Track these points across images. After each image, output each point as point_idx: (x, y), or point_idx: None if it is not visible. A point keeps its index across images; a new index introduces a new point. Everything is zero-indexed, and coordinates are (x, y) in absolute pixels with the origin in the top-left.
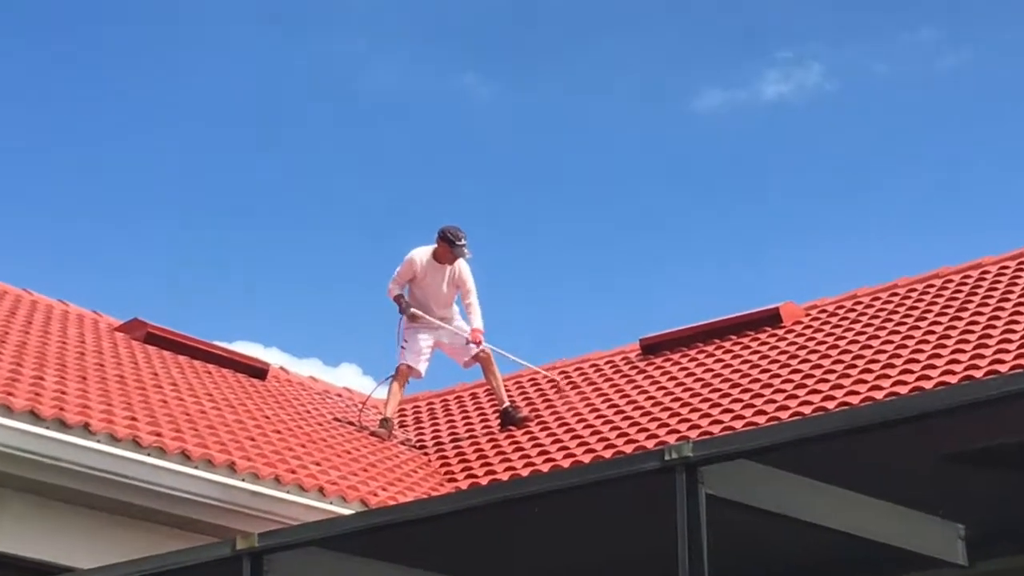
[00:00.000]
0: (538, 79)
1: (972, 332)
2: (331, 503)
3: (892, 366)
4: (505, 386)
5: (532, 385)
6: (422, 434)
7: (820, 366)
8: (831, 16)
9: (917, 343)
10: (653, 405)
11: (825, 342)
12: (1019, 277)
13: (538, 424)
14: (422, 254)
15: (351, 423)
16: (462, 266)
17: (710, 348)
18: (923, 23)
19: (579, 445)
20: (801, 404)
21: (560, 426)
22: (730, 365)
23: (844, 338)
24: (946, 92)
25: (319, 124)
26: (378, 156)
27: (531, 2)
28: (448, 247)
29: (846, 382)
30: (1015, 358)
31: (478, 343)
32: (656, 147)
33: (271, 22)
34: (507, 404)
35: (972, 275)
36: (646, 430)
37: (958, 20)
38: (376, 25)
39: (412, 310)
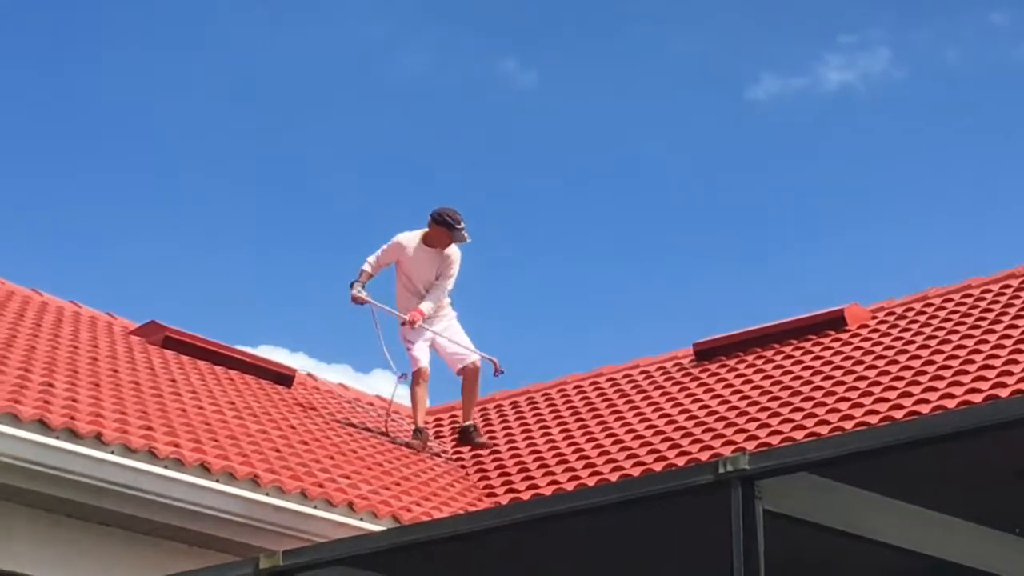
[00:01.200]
0: (583, 66)
1: None
2: (361, 519)
3: (965, 372)
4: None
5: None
6: (458, 446)
7: (887, 372)
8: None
9: (992, 348)
10: (707, 414)
11: (893, 347)
12: None
13: (583, 434)
14: (411, 238)
15: (383, 433)
16: (453, 252)
17: (768, 353)
18: (994, 7)
19: (628, 457)
20: (867, 413)
21: (608, 437)
22: (790, 372)
23: (913, 342)
24: (1019, 81)
25: (345, 114)
26: (412, 149)
27: None
28: (447, 231)
29: (915, 390)
30: None
31: (413, 322)
32: (709, 136)
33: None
34: (470, 423)
35: (1015, 281)
36: (700, 441)
37: None
38: (404, 8)
39: (358, 294)
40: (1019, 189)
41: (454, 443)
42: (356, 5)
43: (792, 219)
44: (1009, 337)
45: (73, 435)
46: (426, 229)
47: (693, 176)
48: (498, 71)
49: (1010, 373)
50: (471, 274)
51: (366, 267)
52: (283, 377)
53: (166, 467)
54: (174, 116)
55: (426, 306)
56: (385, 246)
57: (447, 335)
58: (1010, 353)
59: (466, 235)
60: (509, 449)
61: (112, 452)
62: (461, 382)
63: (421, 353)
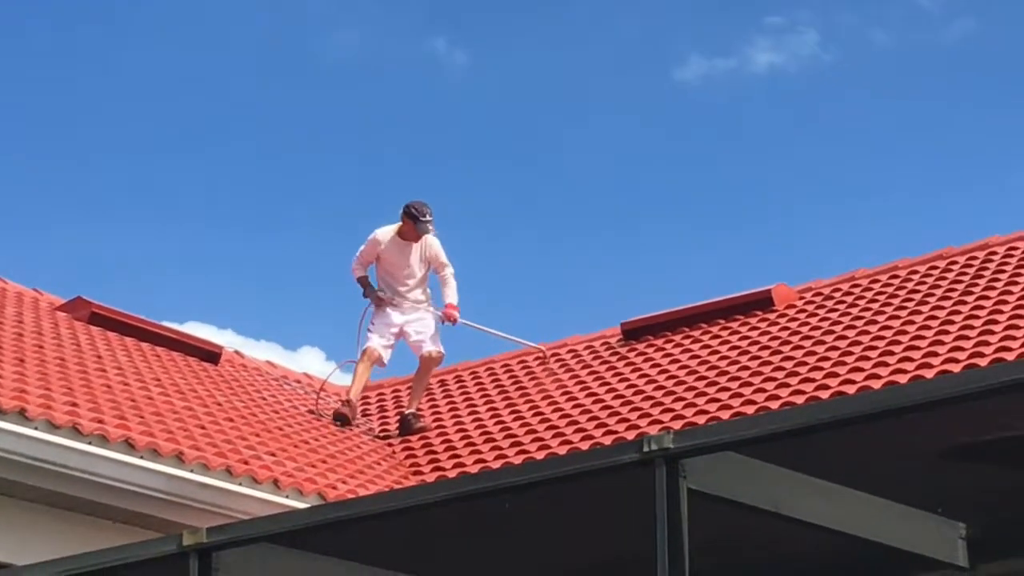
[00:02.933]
0: (512, 46)
1: (977, 317)
2: (286, 496)
3: (891, 353)
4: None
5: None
6: (387, 424)
7: (814, 353)
8: None
9: (918, 329)
10: (634, 394)
11: (820, 327)
12: (987, 268)
13: (510, 413)
14: (386, 233)
15: (310, 411)
16: (432, 241)
17: (696, 333)
18: None
19: (554, 436)
20: (793, 393)
21: (535, 416)
22: (717, 351)
23: (840, 323)
24: (952, 63)
25: (275, 95)
26: (339, 128)
27: None
28: (412, 223)
29: (841, 370)
30: (1023, 344)
31: (453, 320)
32: (637, 118)
33: None
34: (411, 411)
35: (978, 256)
36: (626, 420)
37: None
38: None
39: (378, 293)
40: (946, 172)
41: (382, 421)
42: None
43: (720, 200)
44: (935, 318)
45: None
46: (400, 224)
47: (621, 157)
48: (428, 50)
49: (935, 354)
50: None
51: (360, 271)
52: (210, 354)
53: (90, 443)
54: (102, 91)
55: (452, 298)
56: (363, 246)
57: (417, 327)
58: (936, 334)
59: (430, 227)
60: (436, 427)
61: (36, 428)
62: (417, 369)
63: (381, 338)
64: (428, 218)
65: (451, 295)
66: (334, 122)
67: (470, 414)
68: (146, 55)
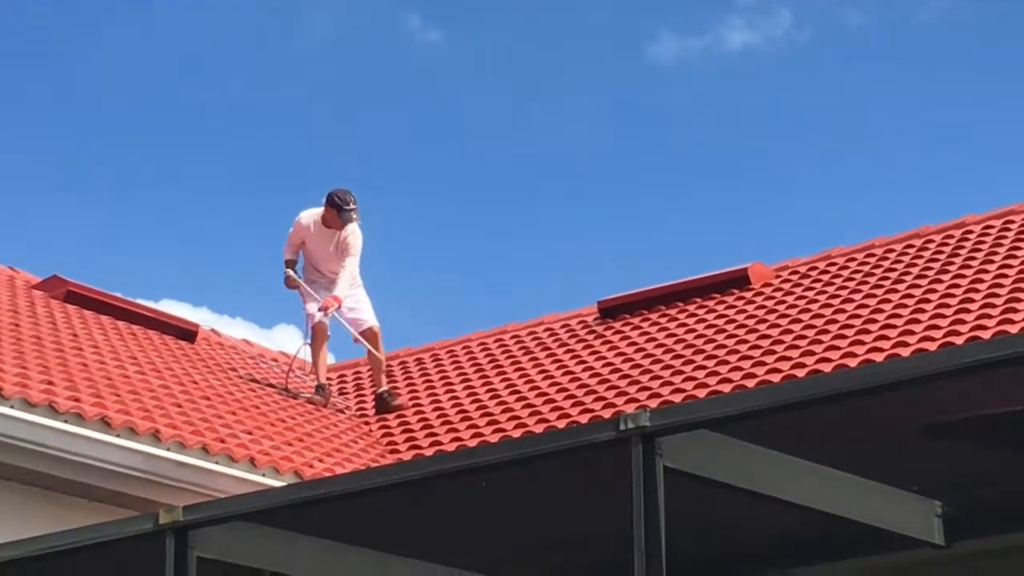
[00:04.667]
0: (485, 23)
1: (953, 296)
2: (263, 475)
3: (867, 331)
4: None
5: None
6: (363, 402)
7: (790, 331)
8: None
9: (894, 307)
10: (611, 372)
11: (796, 305)
12: (1004, 237)
13: (487, 391)
14: (309, 217)
15: (285, 389)
16: (351, 231)
17: (672, 312)
18: None
19: (531, 414)
20: (769, 372)
21: (511, 394)
22: (693, 330)
23: (816, 301)
24: (923, 43)
25: (248, 71)
26: (314, 105)
27: None
28: (335, 212)
29: (818, 348)
30: (999, 324)
31: (325, 309)
32: (610, 96)
33: None
34: (384, 389)
35: (955, 235)
36: (603, 399)
37: None
38: None
39: (291, 278)
40: (922, 151)
41: (358, 399)
42: None
43: (696, 179)
44: (911, 297)
45: None
46: (323, 209)
47: (595, 134)
48: (402, 27)
49: (911, 332)
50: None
51: (287, 253)
52: (186, 332)
53: (66, 422)
54: (82, 71)
55: (341, 290)
56: (290, 230)
57: (350, 303)
58: (912, 312)
59: (354, 216)
60: (413, 406)
61: (12, 406)
62: (366, 351)
63: (315, 310)
64: (351, 207)
65: (338, 287)
66: (307, 99)
67: (447, 392)
68: (121, 27)
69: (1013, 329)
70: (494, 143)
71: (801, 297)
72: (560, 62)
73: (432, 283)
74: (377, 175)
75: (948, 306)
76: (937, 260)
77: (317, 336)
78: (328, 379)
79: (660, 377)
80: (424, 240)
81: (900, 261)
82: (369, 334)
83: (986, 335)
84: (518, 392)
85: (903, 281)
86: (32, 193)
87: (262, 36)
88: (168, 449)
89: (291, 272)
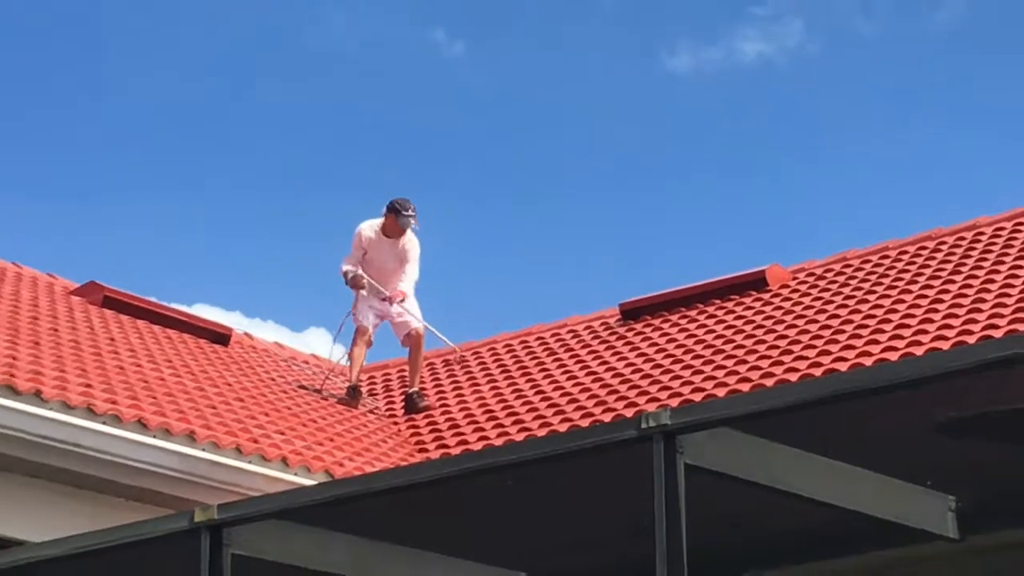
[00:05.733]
0: (510, 36)
1: (966, 296)
2: (295, 474)
3: (882, 331)
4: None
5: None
6: (392, 402)
7: (807, 331)
8: None
9: (908, 307)
10: (633, 372)
11: (812, 306)
12: (1015, 238)
13: (513, 391)
14: (369, 227)
15: (317, 391)
16: (410, 239)
17: (692, 313)
18: None
19: (555, 414)
20: (787, 371)
21: (536, 394)
22: (713, 331)
23: (832, 302)
24: (936, 50)
25: (275, 82)
26: (338, 115)
27: None
28: (395, 217)
29: (834, 348)
30: (1010, 323)
31: (391, 300)
32: (629, 105)
33: None
34: (414, 390)
35: (967, 236)
36: (625, 398)
37: None
38: None
39: (361, 278)
40: (932, 156)
41: (387, 401)
42: None
43: (713, 184)
44: (925, 297)
45: (12, 392)
46: (383, 219)
47: (616, 140)
48: (428, 41)
49: (925, 332)
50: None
51: (346, 266)
52: (220, 336)
53: (104, 423)
54: (119, 82)
55: (406, 287)
56: (353, 242)
57: (398, 308)
58: (925, 312)
59: (413, 221)
60: (441, 406)
61: (51, 409)
62: (408, 351)
63: (363, 316)
64: (410, 212)
65: (404, 284)
66: (332, 110)
67: (473, 393)
68: (150, 40)
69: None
70: (517, 151)
71: (817, 298)
72: (581, 72)
73: (460, 287)
74: (403, 182)
75: (961, 306)
76: (950, 261)
77: (359, 340)
78: (360, 380)
79: (680, 377)
80: (449, 246)
81: (913, 262)
82: (415, 337)
83: (998, 334)
84: (542, 392)
85: (916, 282)
86: (69, 201)
87: (295, 52)
88: (203, 449)
89: (360, 271)
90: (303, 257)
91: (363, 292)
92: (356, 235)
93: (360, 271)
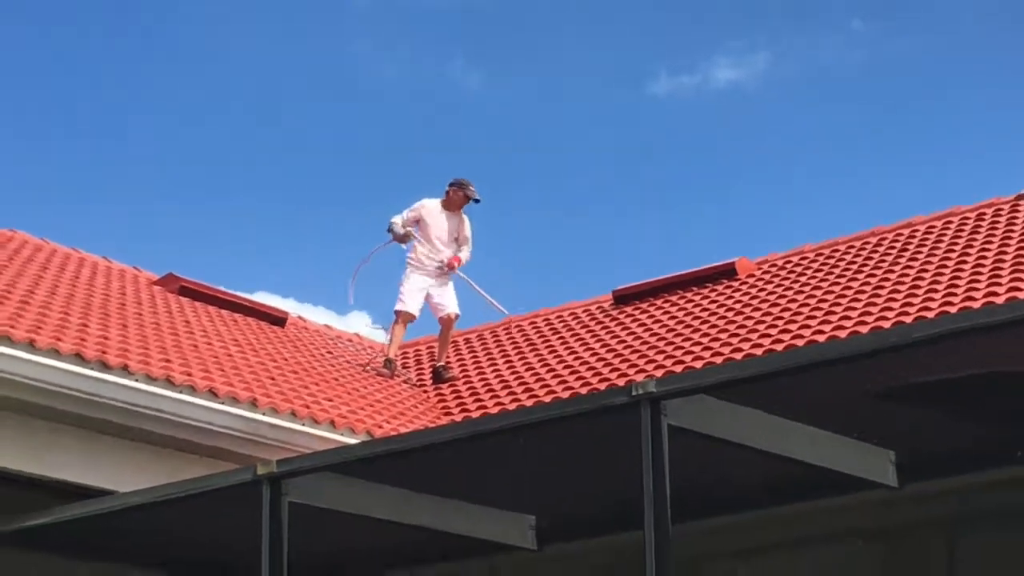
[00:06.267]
0: (520, 69)
1: (903, 282)
2: (341, 434)
3: (833, 313)
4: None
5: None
6: (422, 374)
7: (770, 314)
8: (775, 7)
9: (855, 292)
10: (624, 348)
11: (775, 292)
12: (944, 236)
13: (523, 364)
14: (433, 202)
15: (360, 365)
16: (464, 219)
17: (674, 298)
18: (855, 15)
19: (559, 383)
20: (753, 347)
21: (543, 367)
22: (691, 313)
23: (792, 289)
24: (884, 79)
25: (333, 109)
26: (380, 135)
27: (513, 3)
28: (460, 191)
29: (793, 327)
30: (940, 305)
31: (452, 267)
32: (618, 126)
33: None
34: (441, 364)
35: (904, 233)
36: (618, 370)
37: (895, 13)
38: (378, 26)
39: (410, 235)
40: (878, 167)
41: (419, 372)
42: (341, 24)
43: (692, 190)
44: (868, 285)
45: (104, 366)
46: (444, 197)
47: (608, 156)
48: (449, 74)
49: (869, 314)
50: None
51: (399, 222)
52: (278, 319)
53: (181, 392)
54: (175, 120)
55: (464, 255)
56: (410, 209)
57: (440, 291)
58: (869, 297)
59: (476, 195)
60: (463, 377)
61: (137, 380)
62: (440, 329)
63: (411, 299)
64: (473, 187)
65: (466, 254)
66: (370, 127)
67: (490, 366)
68: (238, 54)
69: (952, 309)
70: (525, 165)
71: (779, 286)
72: (578, 95)
73: (480, 274)
74: (429, 186)
75: (899, 291)
76: (890, 255)
77: (401, 321)
78: (396, 355)
79: (664, 352)
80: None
81: (859, 256)
82: (447, 320)
83: (930, 314)
84: (548, 365)
85: (862, 271)
86: (150, 202)
87: (340, 78)
88: (263, 414)
89: (411, 230)
90: (347, 254)
91: (417, 265)
92: (419, 205)
93: (411, 230)
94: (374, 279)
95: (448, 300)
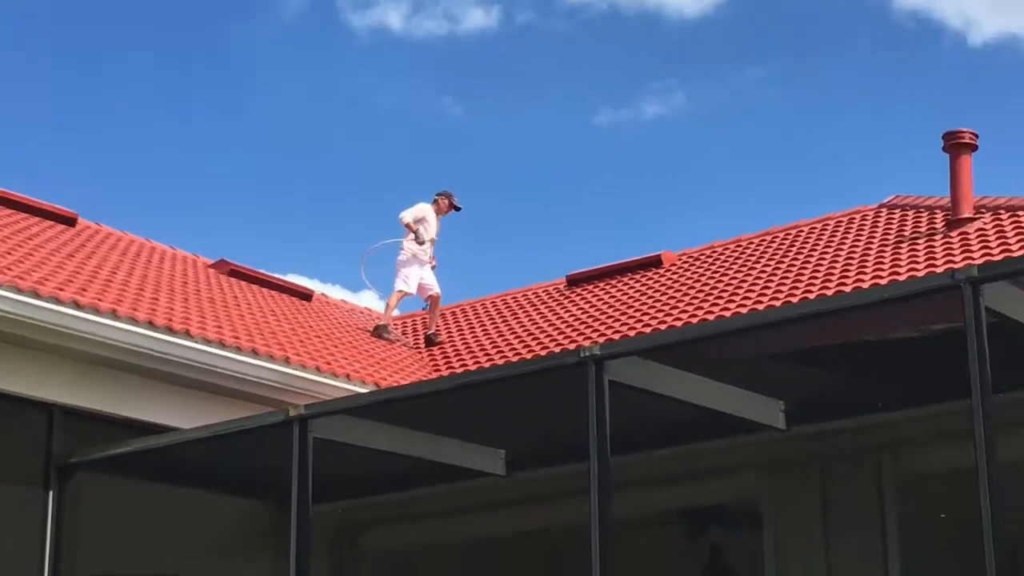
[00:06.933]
0: (497, 102)
1: (791, 272)
2: (355, 385)
3: (736, 294)
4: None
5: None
6: (417, 339)
7: (688, 295)
8: (687, 55)
9: (755, 278)
10: (575, 320)
11: (692, 278)
12: (823, 236)
13: (496, 332)
14: (430, 207)
15: (368, 331)
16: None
17: (614, 282)
18: (752, 63)
19: (524, 347)
20: (675, 320)
21: (511, 335)
22: (627, 293)
23: (705, 275)
24: (767, 118)
25: (344, 135)
26: (376, 148)
27: (493, 44)
28: (447, 200)
29: (706, 305)
30: (819, 289)
31: (433, 266)
32: (571, 151)
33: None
34: (432, 331)
35: (792, 233)
36: (569, 337)
37: (780, 61)
38: (377, 63)
39: (421, 235)
40: (768, 175)
41: (415, 338)
42: (346, 62)
43: (628, 197)
44: (764, 273)
45: (170, 331)
46: (434, 203)
47: (564, 173)
48: (438, 106)
49: (764, 295)
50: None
51: (409, 218)
52: (305, 295)
53: (229, 351)
54: (222, 135)
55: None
56: (418, 206)
57: (428, 274)
58: (765, 283)
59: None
60: (448, 342)
61: (195, 342)
62: (428, 305)
63: (413, 282)
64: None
65: (431, 256)
66: (373, 144)
67: (471, 334)
68: (269, 81)
69: (829, 292)
70: (501, 185)
71: (696, 272)
72: (537, 124)
73: (463, 261)
74: (417, 192)
75: (788, 278)
76: (781, 249)
77: (398, 296)
78: (394, 324)
79: (606, 324)
80: (457, 236)
81: (758, 249)
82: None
83: (812, 296)
84: (516, 333)
85: (760, 262)
86: (210, 203)
87: (352, 112)
88: (295, 369)
89: (419, 227)
90: (360, 242)
91: (415, 255)
92: (424, 207)
93: (425, 227)
94: (379, 264)
95: (434, 283)
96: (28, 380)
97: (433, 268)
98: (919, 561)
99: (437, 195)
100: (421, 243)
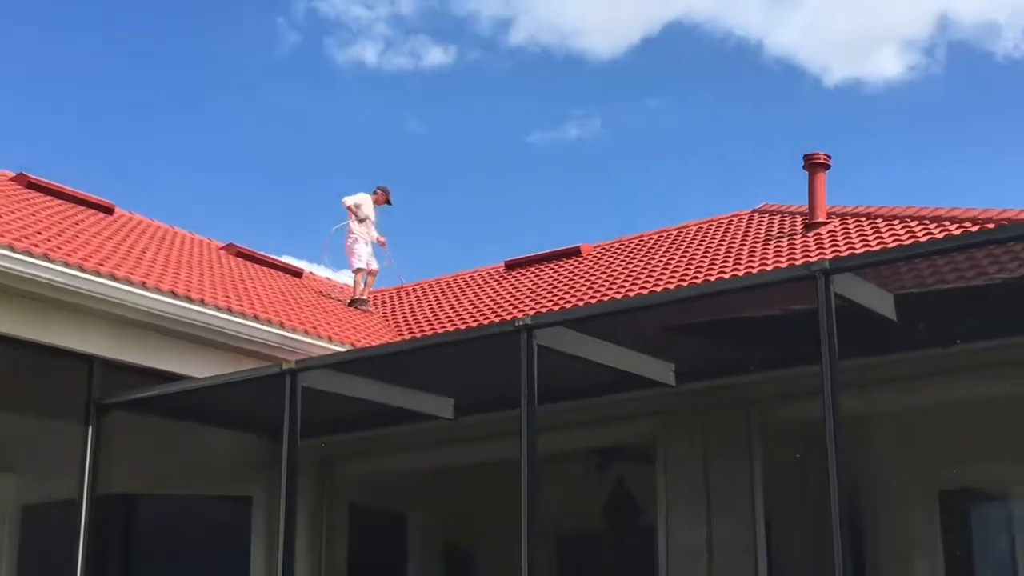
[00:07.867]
0: (450, 121)
1: (683, 262)
2: (336, 345)
3: (640, 278)
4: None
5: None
6: (385, 309)
7: (600, 278)
8: (603, 88)
9: (655, 265)
10: (511, 298)
11: (608, 265)
12: (708, 234)
13: (449, 307)
14: (368, 197)
15: (345, 303)
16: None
17: (543, 267)
18: (649, 95)
19: (470, 317)
20: (590, 299)
21: (460, 308)
22: (553, 277)
23: (615, 263)
24: (666, 140)
25: (324, 142)
26: (349, 154)
27: (448, 76)
28: (384, 195)
29: (615, 287)
30: (705, 275)
31: (383, 244)
32: (510, 166)
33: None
34: (357, 298)
35: (683, 231)
36: (506, 310)
37: (676, 95)
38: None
39: (361, 216)
40: (665, 183)
41: (382, 311)
42: (330, 88)
43: (556, 202)
44: (662, 262)
45: (189, 299)
46: (374, 195)
47: (499, 182)
48: (402, 123)
49: (661, 279)
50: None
51: (348, 202)
52: (296, 272)
53: (235, 316)
54: (229, 141)
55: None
56: (360, 195)
57: (369, 255)
58: (661, 270)
59: (391, 198)
60: (410, 312)
61: (209, 308)
62: (365, 278)
63: (365, 261)
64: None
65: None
66: (350, 153)
67: (429, 307)
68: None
69: (712, 278)
70: (451, 188)
71: (609, 261)
72: (482, 141)
73: (420, 248)
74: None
75: (680, 266)
76: (675, 243)
77: (360, 274)
78: (363, 296)
79: (537, 300)
80: (419, 230)
81: (658, 244)
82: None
83: (699, 282)
84: (464, 307)
85: (658, 253)
86: (221, 195)
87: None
88: (288, 331)
89: (362, 210)
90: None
91: (362, 238)
92: (366, 197)
93: (361, 210)
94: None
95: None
96: (74, 336)
97: (383, 245)
98: (779, 492)
99: (378, 188)
100: (361, 221)
